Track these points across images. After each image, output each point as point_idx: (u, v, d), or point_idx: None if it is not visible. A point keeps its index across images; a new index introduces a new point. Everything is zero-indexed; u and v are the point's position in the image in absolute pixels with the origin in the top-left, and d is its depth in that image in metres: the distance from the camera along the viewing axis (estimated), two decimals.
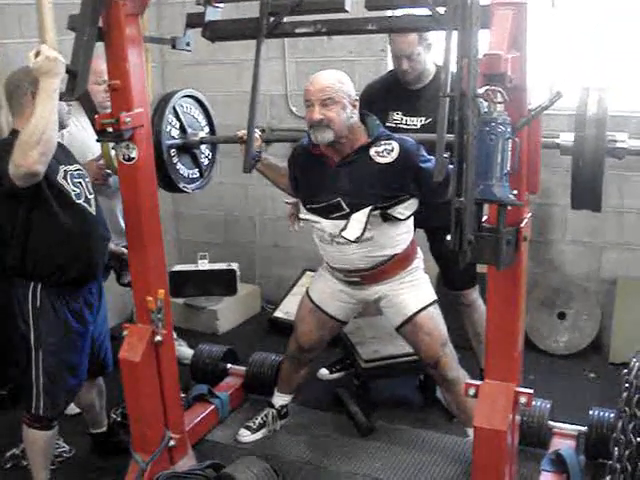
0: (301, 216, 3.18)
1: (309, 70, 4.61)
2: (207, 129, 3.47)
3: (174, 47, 2.86)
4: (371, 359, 3.47)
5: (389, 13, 2.88)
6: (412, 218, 3.08)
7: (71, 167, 2.82)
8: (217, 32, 2.80)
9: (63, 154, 2.82)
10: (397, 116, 3.47)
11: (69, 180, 2.78)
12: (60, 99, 2.53)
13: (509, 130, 1.91)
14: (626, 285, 4.15)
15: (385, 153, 2.95)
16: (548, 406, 3.23)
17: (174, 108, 3.22)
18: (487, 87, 1.88)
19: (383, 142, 2.98)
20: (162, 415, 3.05)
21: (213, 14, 2.78)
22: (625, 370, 2.75)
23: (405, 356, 3.47)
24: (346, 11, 2.56)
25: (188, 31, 2.86)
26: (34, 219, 2.70)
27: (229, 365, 3.93)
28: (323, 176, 3.04)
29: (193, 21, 2.81)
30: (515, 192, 2.00)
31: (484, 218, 2.07)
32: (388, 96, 3.51)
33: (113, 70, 2.66)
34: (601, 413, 3.14)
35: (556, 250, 4.34)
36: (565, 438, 3.21)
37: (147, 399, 2.98)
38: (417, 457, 3.30)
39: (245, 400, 3.83)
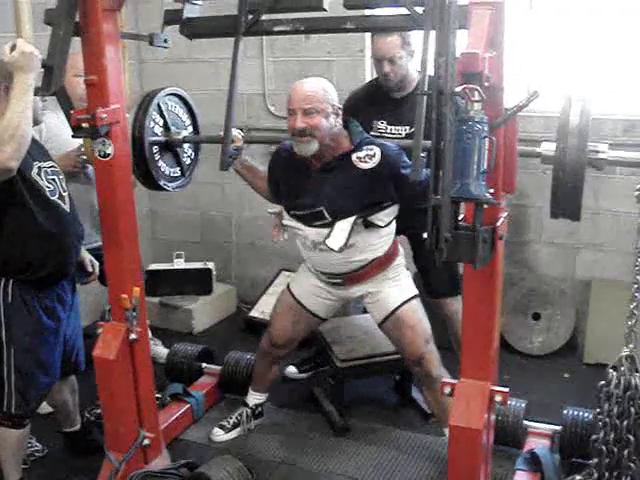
0: (284, 222, 3.15)
1: (287, 70, 4.63)
2: (191, 128, 3.42)
3: (151, 44, 2.84)
4: (347, 358, 3.47)
5: (367, 12, 2.88)
6: (394, 222, 3.09)
7: (45, 164, 2.78)
8: (195, 29, 2.80)
9: (37, 150, 2.78)
10: (381, 125, 3.47)
11: (43, 176, 2.74)
12: (35, 94, 2.50)
13: (486, 129, 1.91)
14: (600, 286, 4.18)
15: (367, 158, 2.94)
16: (523, 405, 3.25)
17: (158, 105, 3.18)
18: (464, 85, 1.89)
19: (365, 147, 2.97)
20: (136, 414, 3.03)
21: (191, 11, 2.78)
22: (602, 382, 2.72)
23: (381, 355, 3.47)
24: (324, 10, 2.57)
25: (166, 28, 2.84)
26: (7, 215, 2.67)
27: (204, 364, 3.92)
28: (305, 181, 3.03)
29: (171, 18, 2.80)
30: (492, 191, 2.01)
31: (461, 217, 2.07)
32: (372, 105, 3.50)
33: (90, 66, 2.64)
34: (575, 413, 3.15)
35: (531, 251, 4.37)
36: (540, 437, 3.22)
37: (121, 397, 2.95)
38: (392, 456, 3.29)
39: (220, 399, 3.82)
